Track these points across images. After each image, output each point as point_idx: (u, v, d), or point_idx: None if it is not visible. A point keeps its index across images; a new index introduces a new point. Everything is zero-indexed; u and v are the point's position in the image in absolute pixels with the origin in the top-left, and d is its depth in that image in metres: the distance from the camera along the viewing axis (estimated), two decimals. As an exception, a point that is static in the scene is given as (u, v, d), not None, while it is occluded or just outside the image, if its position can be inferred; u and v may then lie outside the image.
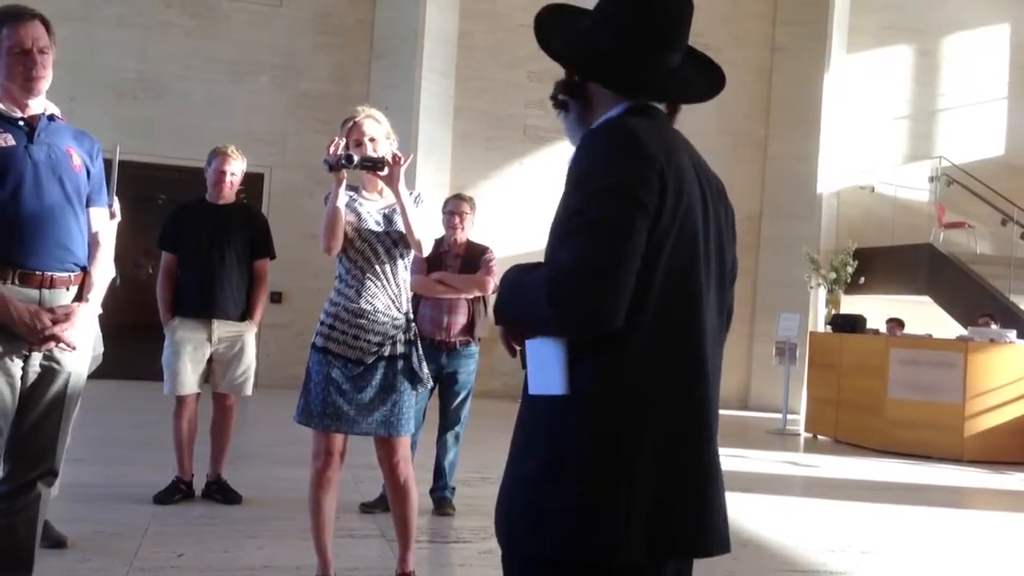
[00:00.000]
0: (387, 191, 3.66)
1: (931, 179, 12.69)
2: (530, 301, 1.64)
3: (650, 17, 1.77)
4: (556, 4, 1.89)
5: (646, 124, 1.71)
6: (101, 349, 4.22)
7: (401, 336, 3.62)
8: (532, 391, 1.69)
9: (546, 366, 1.65)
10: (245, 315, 5.23)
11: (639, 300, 1.61)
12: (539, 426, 1.67)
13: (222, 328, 5.15)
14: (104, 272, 3.08)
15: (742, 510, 5.92)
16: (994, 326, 9.74)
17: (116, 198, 3.57)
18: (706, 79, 1.86)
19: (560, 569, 1.62)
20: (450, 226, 5.34)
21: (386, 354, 3.58)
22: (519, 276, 1.72)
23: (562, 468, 1.61)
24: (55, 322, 2.85)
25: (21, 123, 2.93)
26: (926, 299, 11.64)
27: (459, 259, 5.28)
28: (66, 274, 2.93)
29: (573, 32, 1.82)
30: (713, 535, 1.68)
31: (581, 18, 1.85)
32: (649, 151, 1.65)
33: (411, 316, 3.71)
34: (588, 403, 1.62)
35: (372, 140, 3.63)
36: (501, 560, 1.74)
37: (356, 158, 3.49)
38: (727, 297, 1.85)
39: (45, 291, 2.88)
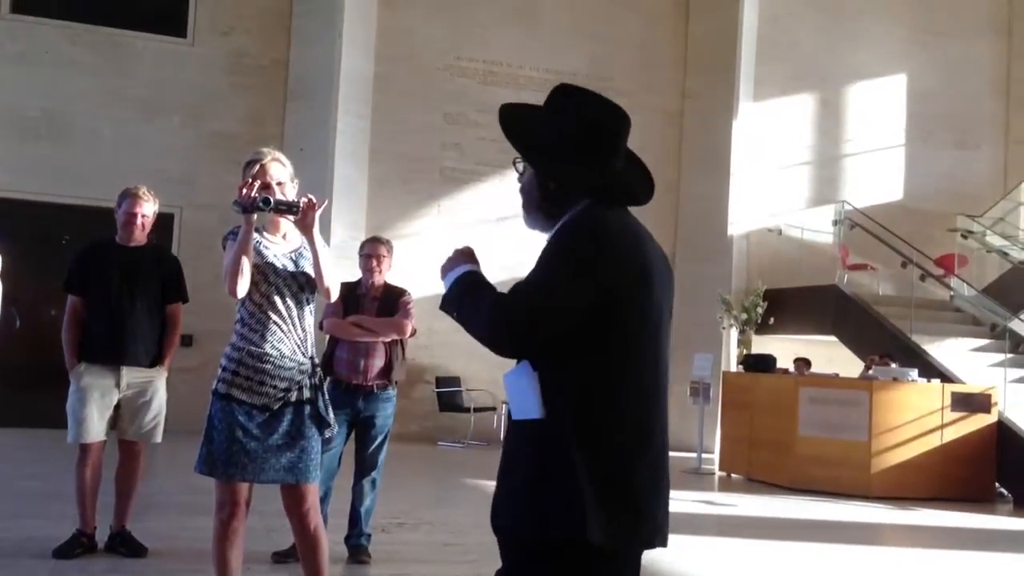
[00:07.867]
0: (291, 234, 3.63)
1: (835, 222, 13.09)
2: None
3: (606, 137, 2.20)
4: (511, 104, 2.25)
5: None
6: None
7: (307, 381, 3.57)
8: (514, 417, 2.10)
9: (523, 395, 2.06)
10: (156, 361, 5.08)
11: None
12: (524, 442, 2.08)
13: (131, 374, 4.98)
14: None
15: (659, 551, 5.93)
16: (893, 365, 10.02)
17: None
18: (640, 176, 2.36)
19: (547, 547, 2.05)
20: (367, 268, 5.29)
21: (292, 399, 3.52)
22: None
23: (552, 473, 2.03)
24: None
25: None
26: (833, 339, 11.97)
27: (376, 301, 5.23)
28: None
29: (538, 140, 2.17)
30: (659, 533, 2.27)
31: (537, 124, 2.20)
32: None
33: (316, 360, 3.66)
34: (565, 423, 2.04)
35: (279, 184, 3.58)
36: (502, 554, 2.14)
37: (272, 201, 3.43)
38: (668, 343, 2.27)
39: None
